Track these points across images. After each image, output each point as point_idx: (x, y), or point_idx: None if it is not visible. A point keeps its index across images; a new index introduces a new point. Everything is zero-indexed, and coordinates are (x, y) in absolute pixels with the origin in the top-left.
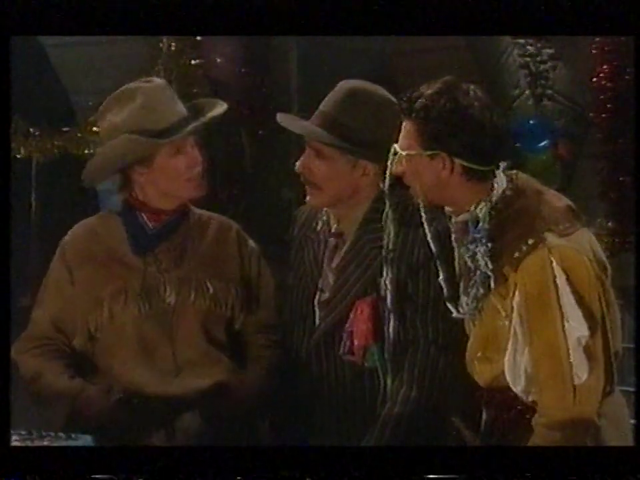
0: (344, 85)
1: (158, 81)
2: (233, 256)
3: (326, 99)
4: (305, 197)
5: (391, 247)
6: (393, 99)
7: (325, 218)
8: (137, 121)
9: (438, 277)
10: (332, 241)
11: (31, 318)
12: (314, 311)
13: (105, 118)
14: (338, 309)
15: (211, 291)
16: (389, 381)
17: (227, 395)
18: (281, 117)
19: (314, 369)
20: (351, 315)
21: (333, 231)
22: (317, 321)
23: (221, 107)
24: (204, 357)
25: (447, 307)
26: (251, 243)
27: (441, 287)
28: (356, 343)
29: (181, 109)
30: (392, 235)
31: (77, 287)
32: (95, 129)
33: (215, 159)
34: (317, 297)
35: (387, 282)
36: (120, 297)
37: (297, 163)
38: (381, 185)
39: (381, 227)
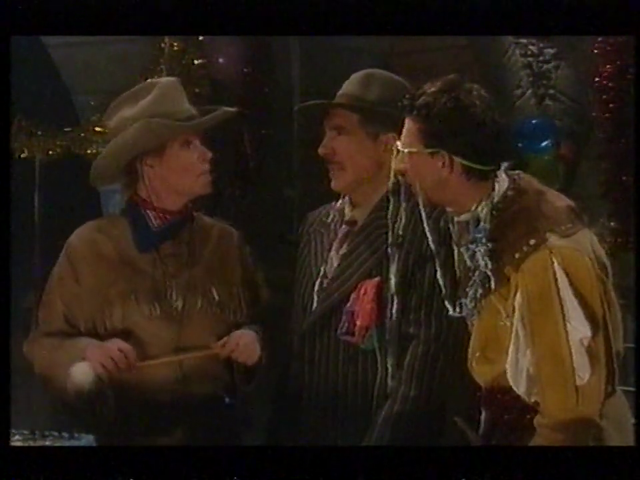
0: (358, 72)
1: (172, 78)
2: (235, 262)
3: (343, 85)
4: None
5: (401, 232)
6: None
7: (339, 205)
8: (153, 109)
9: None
10: (344, 228)
11: (39, 318)
12: (314, 296)
13: (115, 115)
14: (338, 292)
15: (217, 298)
16: (389, 362)
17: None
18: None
19: (306, 352)
20: (353, 296)
21: (347, 218)
22: (315, 305)
23: (229, 110)
24: (208, 364)
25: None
26: (248, 248)
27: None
28: (358, 323)
29: (189, 106)
30: (403, 221)
31: (83, 285)
32: (97, 128)
33: (217, 159)
34: (319, 282)
35: (394, 266)
36: (131, 298)
37: (320, 148)
38: None
39: (394, 213)
